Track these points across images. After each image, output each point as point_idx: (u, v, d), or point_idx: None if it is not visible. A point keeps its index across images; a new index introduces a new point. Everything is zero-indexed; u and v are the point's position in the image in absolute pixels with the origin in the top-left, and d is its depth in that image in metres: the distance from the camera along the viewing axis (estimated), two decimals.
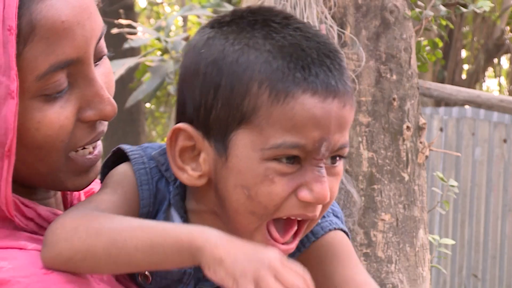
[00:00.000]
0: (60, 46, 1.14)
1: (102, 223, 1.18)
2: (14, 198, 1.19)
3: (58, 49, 1.14)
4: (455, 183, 4.04)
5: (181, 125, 1.22)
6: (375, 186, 3.13)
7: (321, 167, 1.18)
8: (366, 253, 3.10)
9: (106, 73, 1.26)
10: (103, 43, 1.24)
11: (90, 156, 1.26)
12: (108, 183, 1.28)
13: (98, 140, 1.27)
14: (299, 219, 1.21)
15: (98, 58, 1.23)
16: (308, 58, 1.18)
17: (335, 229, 1.33)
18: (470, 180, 7.12)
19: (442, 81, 9.89)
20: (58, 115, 1.17)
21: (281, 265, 1.08)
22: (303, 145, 1.16)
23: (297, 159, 1.18)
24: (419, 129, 3.22)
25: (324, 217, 1.31)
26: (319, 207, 1.21)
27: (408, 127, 3.15)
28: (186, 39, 4.35)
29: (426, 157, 3.28)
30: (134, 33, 6.31)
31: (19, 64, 1.10)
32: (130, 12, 11.16)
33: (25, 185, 1.24)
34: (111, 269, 1.21)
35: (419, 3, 3.56)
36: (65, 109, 1.18)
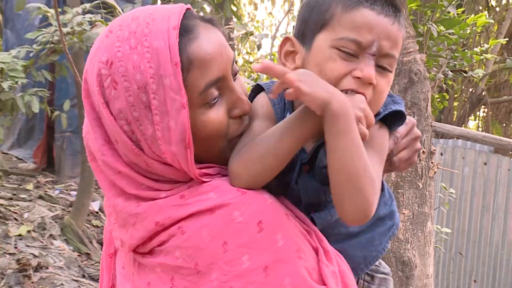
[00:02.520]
0: (210, 70, 1.15)
1: (265, 146, 1.15)
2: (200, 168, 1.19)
3: (209, 72, 1.15)
4: (453, 191, 3.99)
5: (289, 35, 1.28)
6: (399, 190, 3.06)
7: (371, 59, 1.17)
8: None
9: (241, 84, 1.26)
10: (235, 65, 1.24)
11: None
12: (255, 112, 1.27)
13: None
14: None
15: (233, 74, 1.23)
16: None
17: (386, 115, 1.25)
18: (460, 189, 6.95)
19: (439, 121, 9.69)
20: (216, 115, 1.18)
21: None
22: (359, 41, 1.17)
23: (353, 56, 1.17)
24: (431, 153, 3.15)
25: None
26: (369, 89, 1.17)
27: (423, 152, 3.08)
28: None
29: (435, 172, 3.21)
30: None
31: (185, 86, 1.11)
32: None
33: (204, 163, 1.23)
34: (286, 162, 1.16)
35: (434, 68, 3.54)
36: (219, 111, 1.18)
